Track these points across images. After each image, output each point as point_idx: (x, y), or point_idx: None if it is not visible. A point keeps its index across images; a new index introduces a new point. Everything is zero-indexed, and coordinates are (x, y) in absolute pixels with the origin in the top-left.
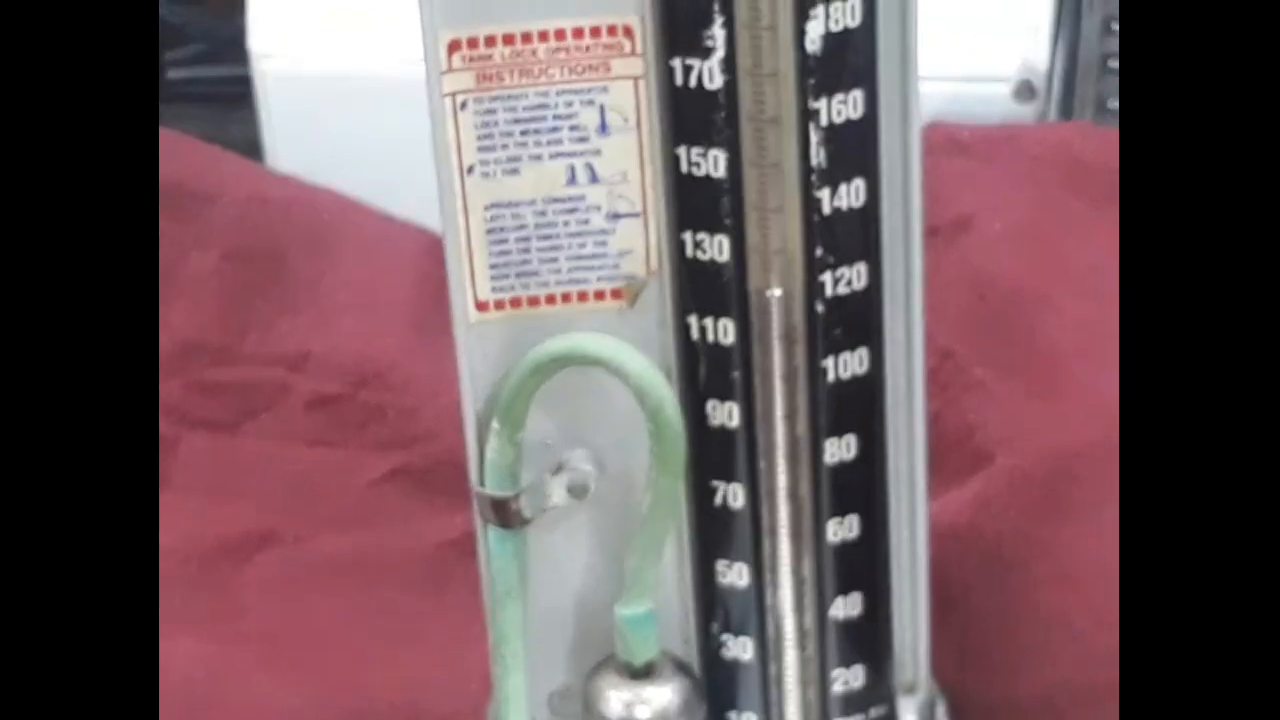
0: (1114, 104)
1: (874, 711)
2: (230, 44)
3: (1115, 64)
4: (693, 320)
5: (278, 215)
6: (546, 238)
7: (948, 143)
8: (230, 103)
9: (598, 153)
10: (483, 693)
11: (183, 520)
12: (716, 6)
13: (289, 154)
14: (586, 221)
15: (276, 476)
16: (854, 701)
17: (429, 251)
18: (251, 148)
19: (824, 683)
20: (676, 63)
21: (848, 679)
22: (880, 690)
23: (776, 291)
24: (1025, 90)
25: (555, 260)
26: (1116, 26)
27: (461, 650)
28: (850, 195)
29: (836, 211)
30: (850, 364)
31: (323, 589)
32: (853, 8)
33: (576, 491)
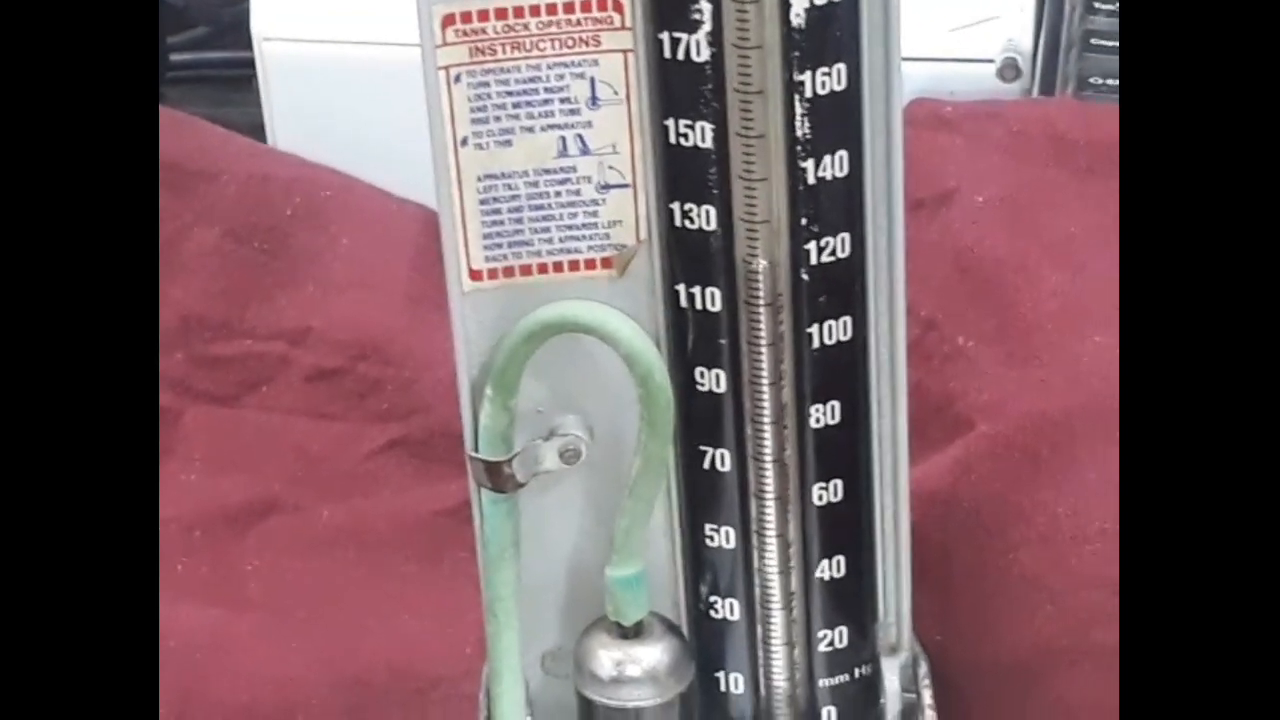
0: (1096, 80)
1: (858, 671)
2: (233, 27)
3: (1097, 42)
4: (681, 288)
5: (279, 192)
6: (538, 208)
7: (932, 117)
8: (233, 85)
9: (588, 125)
10: (477, 656)
11: (185, 491)
12: None
13: (291, 135)
14: (578, 192)
15: (277, 448)
16: (839, 662)
17: (427, 228)
18: (255, 129)
19: (810, 643)
20: (665, 36)
21: (833, 639)
22: (864, 651)
23: (762, 260)
24: (1010, 69)
25: (547, 230)
26: (1099, 5)
27: (457, 615)
28: (834, 166)
29: (820, 182)
30: (834, 331)
31: (322, 557)
32: None
33: (568, 456)
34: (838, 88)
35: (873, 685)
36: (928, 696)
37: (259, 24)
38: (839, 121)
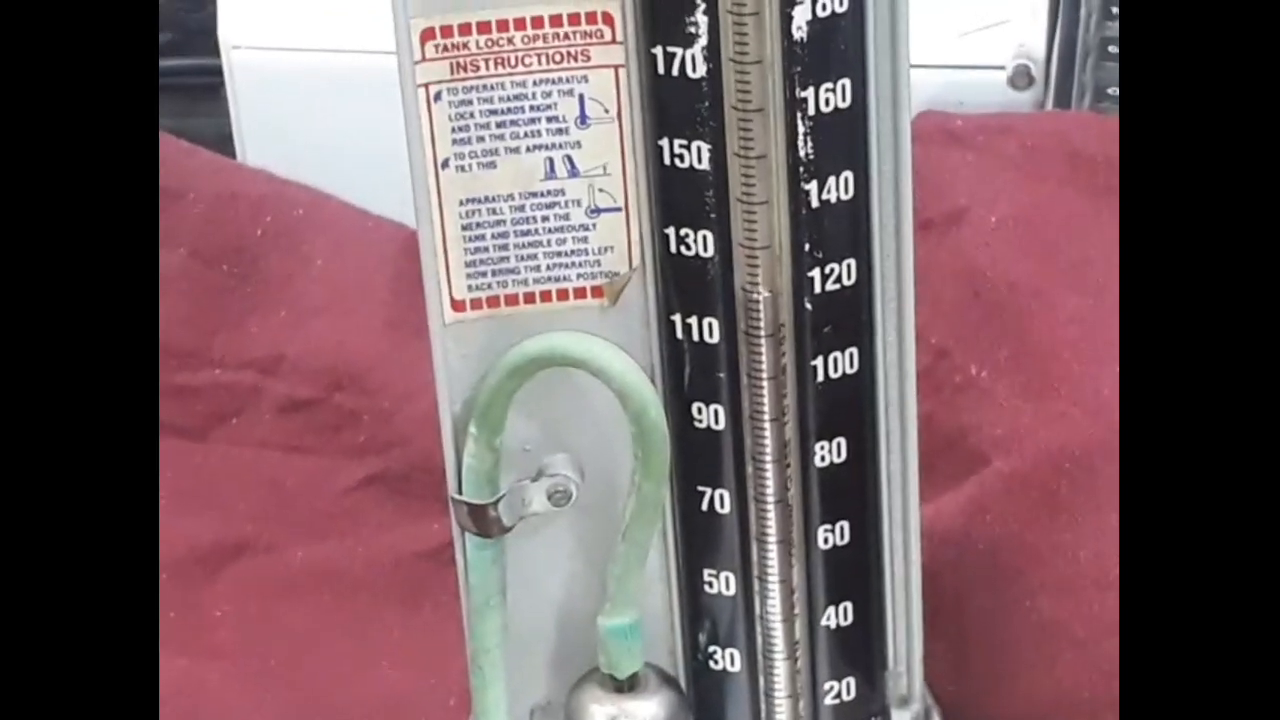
0: (1114, 90)
1: None
2: (200, 33)
3: (1116, 49)
4: (677, 319)
5: (248, 212)
6: (525, 234)
7: (940, 132)
8: (200, 94)
9: (577, 145)
10: (462, 707)
11: None
12: None
13: (261, 148)
14: (566, 216)
15: (248, 484)
16: (846, 714)
17: (407, 249)
18: (223, 140)
19: (815, 695)
20: (658, 51)
21: (839, 691)
22: (873, 703)
23: (763, 289)
24: (1023, 77)
25: (534, 257)
26: (1117, 9)
27: (440, 664)
28: (839, 188)
29: (825, 205)
30: (840, 363)
31: (296, 601)
32: None
33: (557, 498)
34: (842, 104)
35: None
36: None
37: (227, 30)
38: (844, 140)
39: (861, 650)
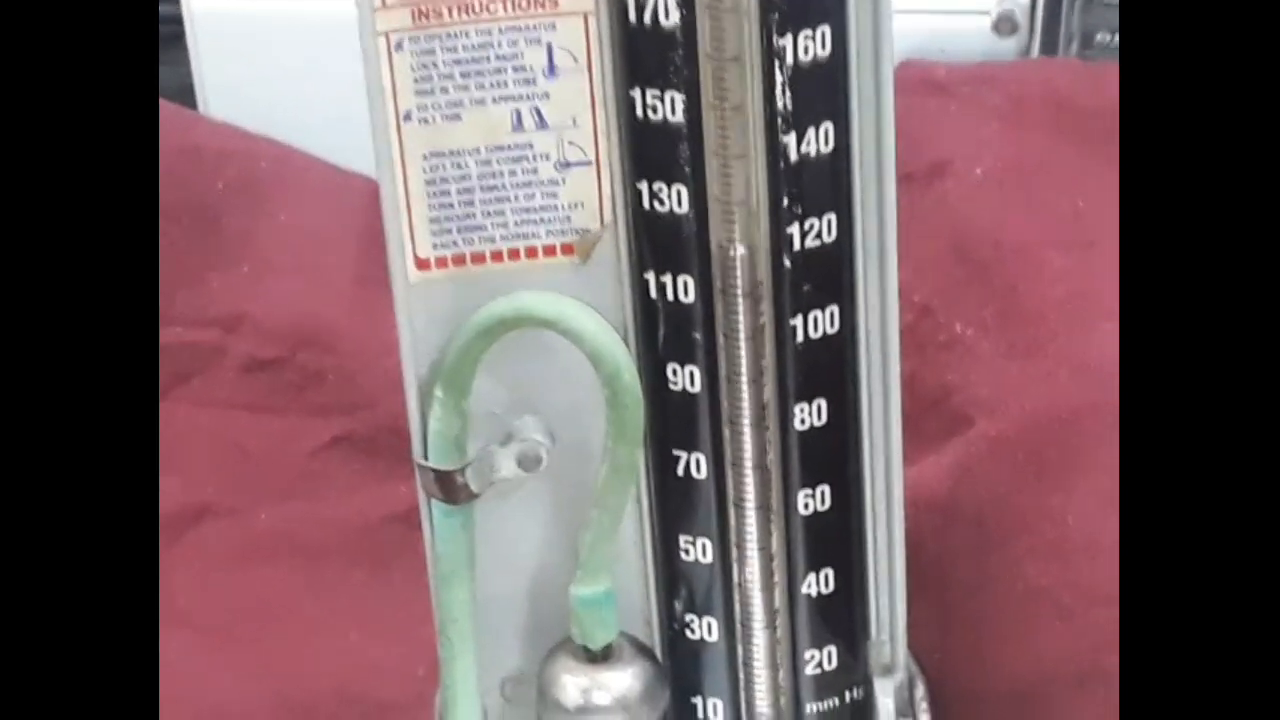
0: (1102, 38)
1: (849, 695)
2: None
3: None
4: (651, 277)
5: (210, 166)
6: (491, 189)
7: (923, 82)
8: (160, 44)
9: (545, 96)
10: (431, 677)
11: None
12: None
13: (223, 100)
14: (534, 171)
15: (210, 446)
16: (827, 684)
17: (374, 203)
18: (184, 92)
19: (795, 665)
20: None
21: (821, 660)
22: (855, 672)
23: (740, 245)
24: (1007, 23)
25: (501, 213)
26: None
27: (409, 631)
28: (818, 141)
29: (804, 158)
30: (820, 323)
31: (260, 566)
32: None
33: (527, 463)
34: (821, 53)
35: (865, 709)
36: None
37: None
38: (823, 91)
39: (843, 618)
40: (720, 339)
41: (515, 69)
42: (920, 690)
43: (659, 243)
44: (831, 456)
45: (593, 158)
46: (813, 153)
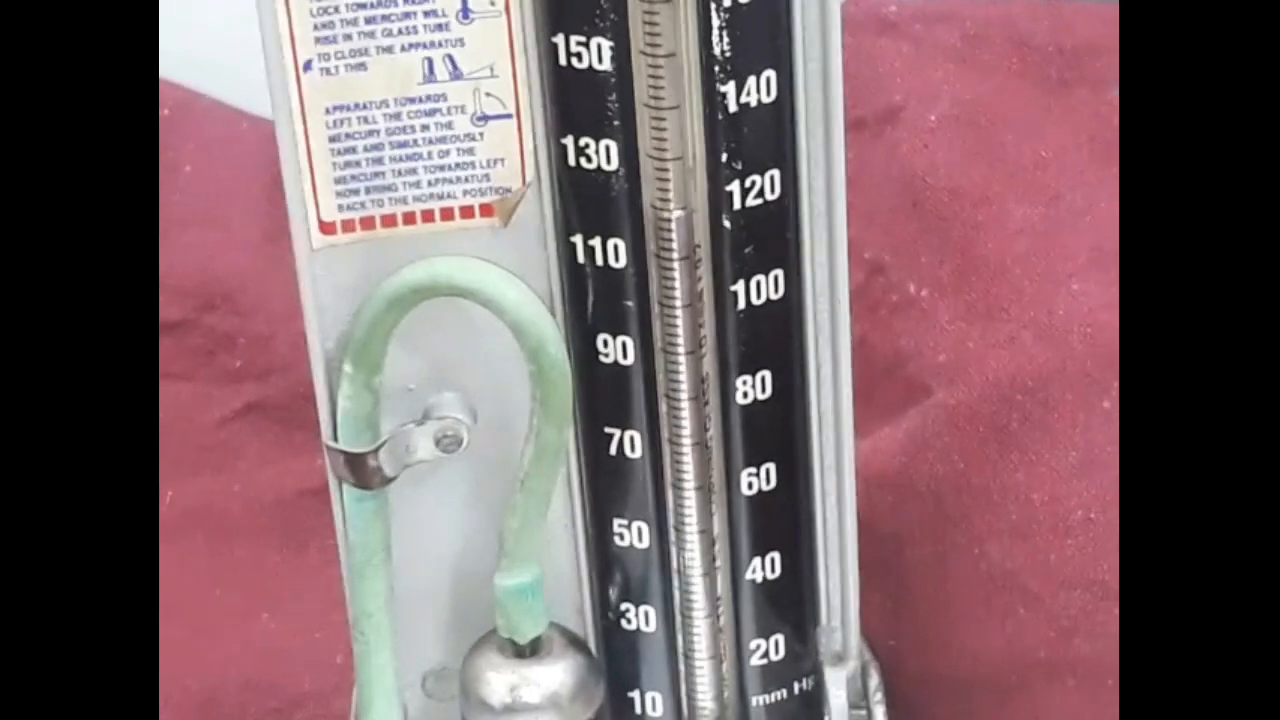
0: None
1: (798, 686)
2: None
3: None
4: (578, 240)
5: None
6: (402, 145)
7: (872, 20)
8: None
9: (459, 42)
10: (350, 665)
11: None
12: None
13: None
14: (449, 125)
15: None
16: (775, 675)
17: None
18: None
19: (740, 655)
20: None
21: (767, 650)
22: (805, 662)
23: (675, 206)
24: None
25: (413, 172)
26: None
27: (325, 615)
28: (759, 89)
29: (744, 109)
30: (764, 288)
31: (166, 545)
32: None
33: (446, 443)
34: None
35: (815, 701)
36: (880, 713)
37: None
38: (764, 33)
39: (791, 605)
40: (655, 307)
41: (426, 13)
42: (875, 680)
43: (586, 203)
44: (777, 432)
45: (513, 110)
46: (753, 102)
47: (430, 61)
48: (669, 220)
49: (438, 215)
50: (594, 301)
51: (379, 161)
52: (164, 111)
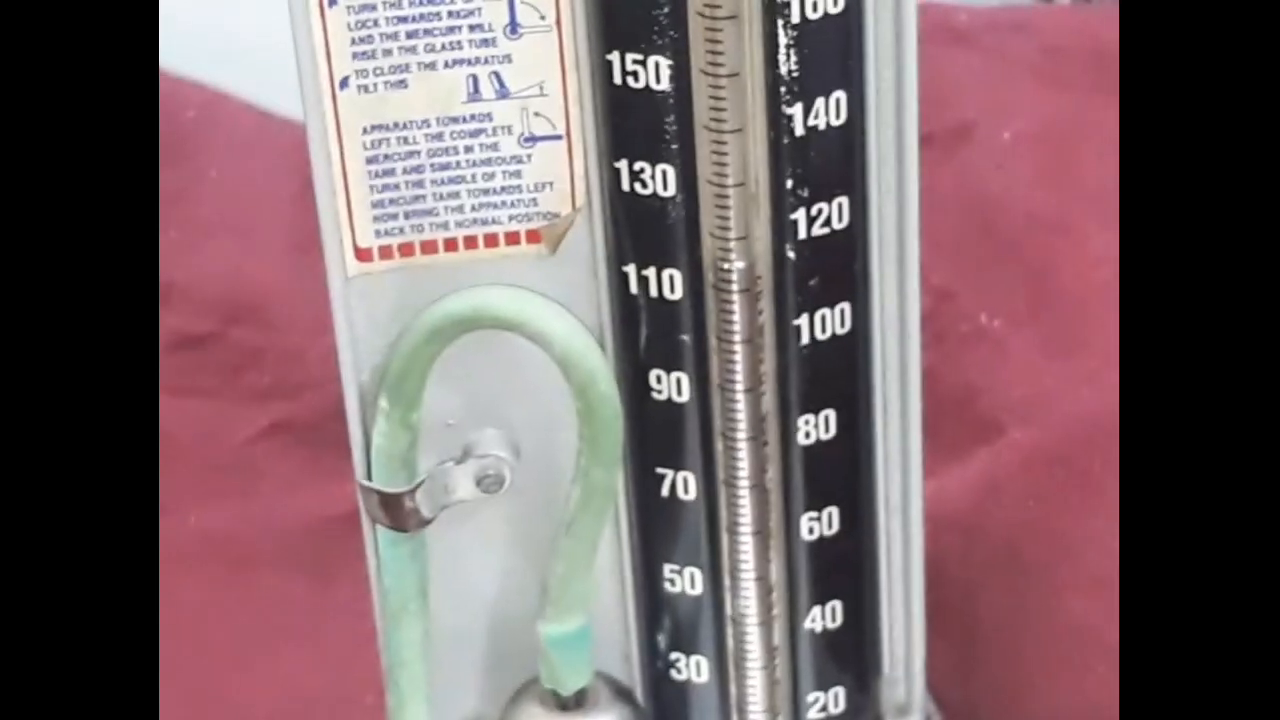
0: None
1: None
2: None
3: None
4: (631, 270)
5: None
6: (444, 167)
7: (942, 30)
8: None
9: (507, 59)
10: (380, 706)
11: None
12: None
13: None
14: (495, 146)
15: None
16: None
17: None
18: None
19: (797, 708)
20: None
21: (826, 703)
22: (865, 714)
23: (736, 235)
24: None
25: (456, 196)
26: None
27: (355, 650)
28: (828, 111)
29: (811, 132)
30: (829, 322)
31: (186, 573)
32: None
33: (487, 483)
34: (833, 9)
35: None
36: None
37: None
38: (835, 52)
39: (852, 656)
40: (712, 341)
41: (471, 27)
42: None
43: (640, 231)
44: (840, 474)
45: (563, 131)
46: (822, 125)
47: (475, 79)
48: (729, 250)
49: (481, 242)
50: (647, 335)
51: (419, 185)
52: (189, 113)
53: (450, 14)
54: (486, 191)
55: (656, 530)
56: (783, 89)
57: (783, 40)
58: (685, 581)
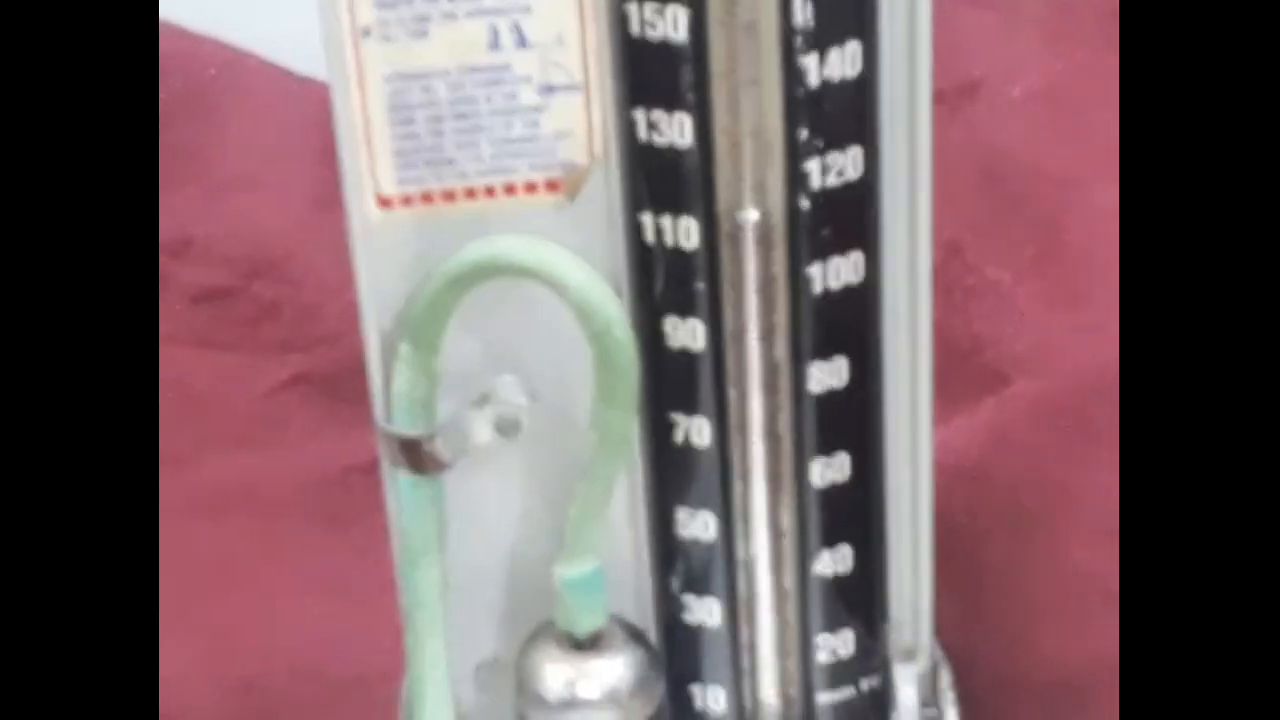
0: None
1: (865, 683)
2: None
3: None
4: (647, 219)
5: None
6: (464, 116)
7: None
8: None
9: (526, 9)
10: (399, 650)
11: None
12: None
13: None
14: (514, 96)
15: None
16: (842, 673)
17: None
18: None
19: (806, 651)
20: None
21: (835, 646)
22: (873, 659)
23: (751, 184)
24: None
25: (475, 145)
26: None
27: (374, 597)
28: (843, 63)
29: (826, 83)
30: (841, 271)
31: (208, 522)
32: None
33: (505, 428)
34: None
35: (883, 699)
36: (952, 713)
37: None
38: (849, 3)
39: (861, 600)
40: (726, 289)
41: None
42: (946, 678)
43: (657, 180)
44: (850, 421)
45: (581, 81)
46: (836, 77)
47: (495, 29)
48: (743, 199)
49: (500, 190)
50: (662, 283)
51: (439, 134)
52: (209, 71)
53: None
54: (506, 141)
55: (670, 476)
56: (798, 40)
57: None
58: (698, 526)
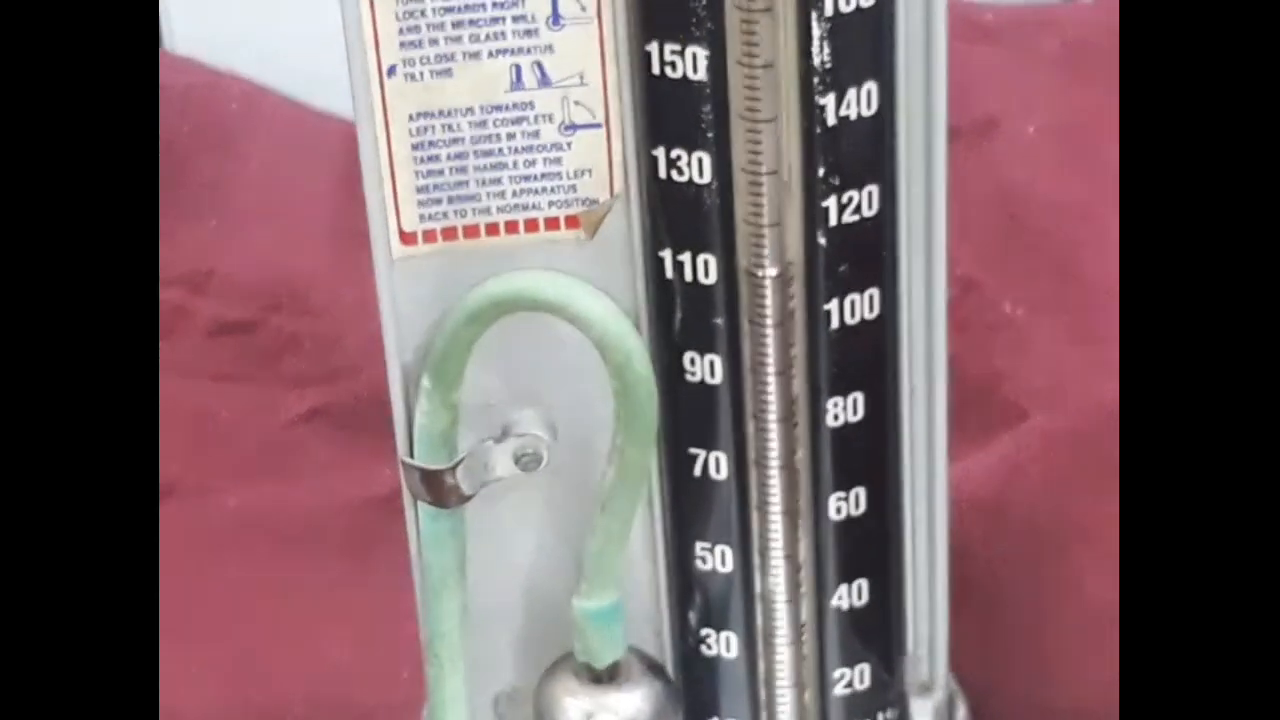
0: None
1: (882, 716)
2: None
3: None
4: (666, 255)
5: (175, 106)
6: (486, 154)
7: (969, 27)
8: None
9: (549, 49)
10: (416, 680)
11: None
12: None
13: (191, 33)
14: (536, 134)
15: (173, 418)
16: (859, 705)
17: (354, 148)
18: None
19: (823, 684)
20: None
21: (851, 680)
22: (889, 691)
23: (769, 222)
24: None
25: (498, 181)
26: None
27: (391, 628)
28: (859, 102)
29: (843, 122)
30: (858, 307)
31: (227, 553)
32: None
33: (525, 461)
34: (865, 2)
35: None
36: None
37: None
38: (867, 44)
39: (877, 633)
40: (744, 325)
41: (515, 18)
42: (962, 712)
43: (676, 217)
44: (867, 455)
45: (602, 119)
46: (853, 115)
47: (518, 68)
48: (762, 236)
49: (522, 227)
50: (681, 318)
51: (462, 170)
52: (231, 106)
53: (495, 5)
54: (528, 178)
55: (689, 509)
56: (816, 80)
57: (816, 32)
58: (716, 559)
